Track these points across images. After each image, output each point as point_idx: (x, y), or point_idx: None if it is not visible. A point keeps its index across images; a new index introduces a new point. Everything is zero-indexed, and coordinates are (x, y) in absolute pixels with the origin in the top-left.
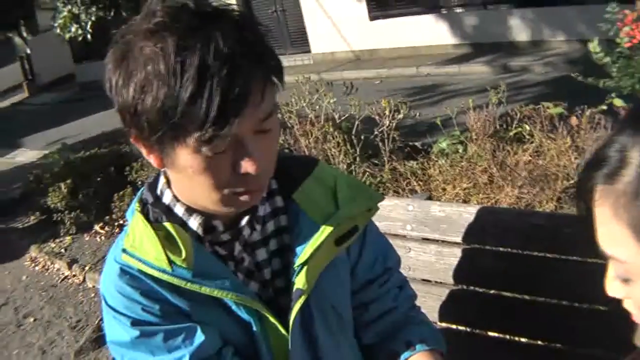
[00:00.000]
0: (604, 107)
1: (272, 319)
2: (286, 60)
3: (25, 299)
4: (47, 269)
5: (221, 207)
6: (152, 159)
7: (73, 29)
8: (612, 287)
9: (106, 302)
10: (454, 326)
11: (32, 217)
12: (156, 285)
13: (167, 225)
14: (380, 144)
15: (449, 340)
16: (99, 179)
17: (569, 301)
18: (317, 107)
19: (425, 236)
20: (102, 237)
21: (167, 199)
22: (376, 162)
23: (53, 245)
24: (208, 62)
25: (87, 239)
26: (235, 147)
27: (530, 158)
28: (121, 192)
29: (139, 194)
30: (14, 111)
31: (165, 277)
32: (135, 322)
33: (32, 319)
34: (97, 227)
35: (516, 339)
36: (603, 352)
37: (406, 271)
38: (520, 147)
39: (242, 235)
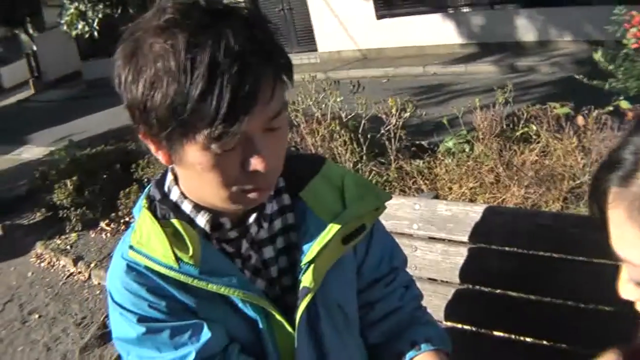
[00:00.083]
0: (611, 109)
1: (278, 317)
2: (293, 59)
3: (31, 296)
4: (53, 266)
5: (229, 205)
6: (160, 156)
7: (80, 26)
8: (626, 290)
9: (112, 299)
10: (459, 325)
11: (38, 214)
12: (163, 282)
13: (175, 222)
14: (386, 142)
15: (455, 340)
16: (105, 176)
17: (574, 301)
18: (324, 105)
19: (432, 235)
20: (108, 234)
21: (174, 195)
22: (382, 160)
23: (59, 242)
24: (218, 59)
25: (92, 235)
26: (245, 144)
27: (536, 158)
28: (127, 190)
29: (146, 190)
30: (20, 108)
31: (172, 274)
32: (141, 319)
33: (37, 316)
34: (102, 224)
35: (521, 338)
36: None
37: (412, 270)
38: (527, 147)
39: (250, 233)
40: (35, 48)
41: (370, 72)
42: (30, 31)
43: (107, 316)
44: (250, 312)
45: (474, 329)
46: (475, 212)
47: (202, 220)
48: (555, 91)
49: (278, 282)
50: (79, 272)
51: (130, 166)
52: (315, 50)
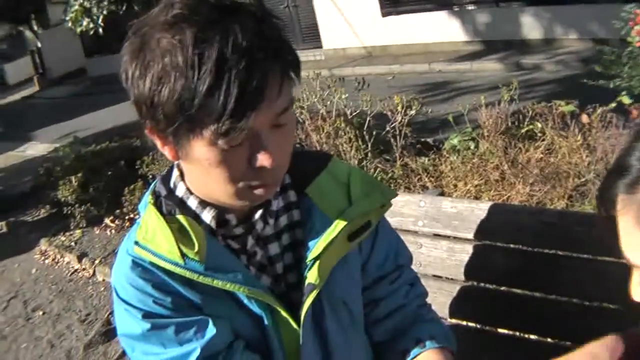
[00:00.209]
0: (613, 105)
1: (283, 313)
2: None
3: (35, 293)
4: (57, 263)
5: (235, 201)
6: (166, 151)
7: (84, 23)
8: (637, 294)
9: (117, 295)
10: (464, 323)
11: (42, 211)
12: (168, 278)
13: (180, 218)
14: (392, 140)
15: (459, 337)
16: (109, 172)
17: (579, 299)
18: (329, 102)
19: (437, 232)
20: (113, 231)
21: (180, 191)
22: (388, 158)
23: (63, 238)
24: (226, 55)
25: (97, 232)
26: (251, 140)
27: (541, 155)
28: (132, 186)
29: (152, 186)
30: (25, 105)
31: (177, 269)
32: (146, 315)
33: (41, 313)
34: (107, 221)
35: (526, 336)
36: None
37: (417, 267)
38: (532, 144)
39: (255, 229)
40: (39, 45)
41: (375, 70)
42: (35, 28)
43: (111, 313)
44: (255, 308)
45: (478, 326)
46: (480, 209)
47: (207, 216)
48: (560, 89)
49: (283, 278)
50: (84, 269)
51: (135, 163)
52: (320, 47)
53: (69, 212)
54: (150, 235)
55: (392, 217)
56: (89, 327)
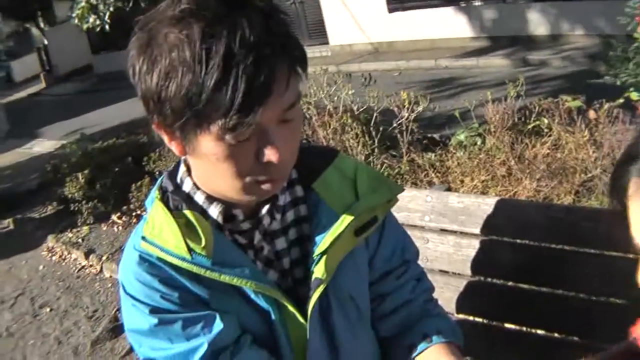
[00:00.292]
0: (621, 101)
1: (290, 308)
2: None
3: (42, 289)
4: (64, 259)
5: (242, 196)
6: (173, 146)
7: (91, 20)
8: None
9: (125, 290)
10: (471, 318)
11: (50, 207)
12: (175, 273)
13: (187, 213)
14: (398, 135)
15: (466, 332)
16: (116, 169)
17: (586, 294)
18: (336, 98)
19: (444, 227)
20: (120, 227)
21: (187, 187)
22: (394, 153)
23: (70, 235)
24: (234, 50)
25: (104, 229)
26: (259, 135)
27: (548, 151)
28: (139, 182)
29: (158, 182)
30: (31, 102)
31: (184, 264)
32: (154, 310)
33: (48, 309)
34: (114, 217)
35: (533, 331)
36: None
37: (424, 262)
38: (539, 140)
39: (262, 224)
40: (46, 42)
41: (381, 66)
42: (42, 25)
43: (118, 309)
44: (262, 303)
45: (485, 321)
46: (487, 204)
47: (214, 211)
48: (567, 85)
49: (290, 273)
50: (91, 265)
51: (142, 159)
52: (327, 43)
53: (76, 208)
54: (157, 230)
55: (399, 212)
56: (96, 323)
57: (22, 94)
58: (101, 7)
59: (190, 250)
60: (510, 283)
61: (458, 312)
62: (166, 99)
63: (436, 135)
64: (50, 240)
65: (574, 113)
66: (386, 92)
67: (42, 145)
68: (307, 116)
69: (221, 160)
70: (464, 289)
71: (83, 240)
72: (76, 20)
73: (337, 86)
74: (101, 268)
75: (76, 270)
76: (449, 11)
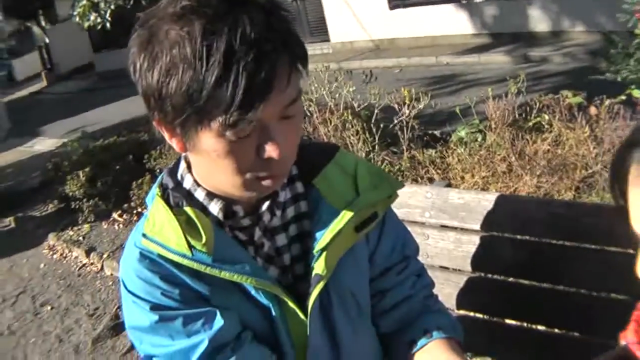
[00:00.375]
0: (623, 98)
1: (291, 304)
2: None
3: (43, 287)
4: (65, 257)
5: (243, 192)
6: (174, 143)
7: (92, 18)
8: None
9: (125, 287)
10: (471, 313)
11: (51, 206)
12: (176, 269)
13: (188, 210)
14: (399, 132)
15: (467, 328)
16: (117, 167)
17: (587, 290)
18: (337, 95)
19: (444, 223)
20: (121, 225)
21: (187, 183)
22: (395, 150)
23: (71, 233)
24: (235, 46)
25: (105, 227)
26: (259, 132)
27: (549, 147)
28: (139, 180)
29: (159, 179)
30: (33, 100)
31: (185, 261)
32: (154, 307)
33: (49, 307)
34: (115, 215)
35: (534, 327)
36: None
37: (424, 258)
38: (539, 136)
39: (262, 221)
40: (47, 40)
41: (383, 63)
42: (43, 24)
43: (119, 307)
44: (263, 299)
45: (485, 317)
46: (487, 200)
47: (215, 208)
48: (567, 81)
49: (291, 269)
50: (92, 263)
51: (143, 157)
52: (328, 40)
53: (77, 206)
54: (158, 227)
55: (399, 209)
56: (97, 321)
57: (24, 92)
58: (102, 5)
59: (190, 247)
60: (510, 279)
61: (458, 308)
62: (167, 96)
63: (437, 132)
64: (52, 239)
65: (575, 109)
66: (387, 89)
67: (44, 144)
68: (308, 113)
69: (222, 157)
70: (464, 285)
71: (84, 238)
72: (77, 19)
73: (338, 83)
74: (102, 266)
75: (77, 269)
76: (450, 8)
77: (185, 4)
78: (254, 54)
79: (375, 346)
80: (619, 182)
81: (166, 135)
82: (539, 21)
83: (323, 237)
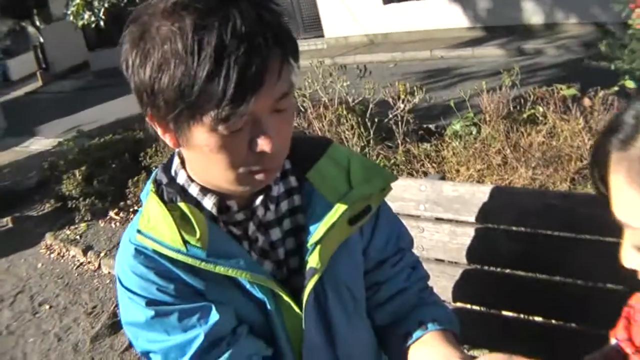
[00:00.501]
0: (617, 88)
1: (286, 298)
2: (299, 45)
3: (41, 287)
4: (63, 256)
5: (236, 186)
6: (167, 139)
7: (86, 16)
8: (628, 257)
9: (121, 283)
10: (467, 305)
11: (47, 205)
12: (171, 265)
13: (182, 205)
14: (394, 126)
15: (462, 319)
16: (113, 165)
17: (583, 280)
18: (331, 90)
19: (439, 216)
20: (117, 223)
21: (181, 179)
22: (390, 144)
23: (68, 232)
24: (225, 41)
25: (102, 225)
26: (252, 125)
27: (543, 139)
28: (136, 178)
29: (153, 175)
30: (28, 100)
31: (180, 257)
32: (150, 302)
33: (47, 307)
34: (112, 214)
35: (530, 318)
36: None
37: (420, 251)
38: (534, 128)
39: (256, 215)
40: (42, 40)
41: (377, 57)
42: (38, 23)
43: (117, 305)
44: (258, 293)
45: (481, 308)
46: (482, 192)
47: (209, 203)
48: (562, 73)
49: (285, 263)
50: (89, 262)
51: (139, 155)
52: (322, 36)
53: (74, 205)
54: (153, 223)
55: (394, 202)
56: (95, 319)
57: (19, 92)
58: (96, 3)
59: (185, 242)
60: (507, 270)
61: (454, 300)
62: (159, 91)
63: (432, 126)
64: (49, 238)
65: (569, 101)
66: (381, 83)
67: (40, 143)
68: (302, 109)
69: (214, 152)
70: (460, 277)
71: (81, 237)
72: (71, 17)
73: (332, 78)
74: (99, 264)
75: (75, 267)
76: (443, 2)
77: (176, 0)
78: (245, 48)
79: (370, 339)
80: (599, 168)
81: (159, 131)
82: (532, 14)
83: (317, 231)
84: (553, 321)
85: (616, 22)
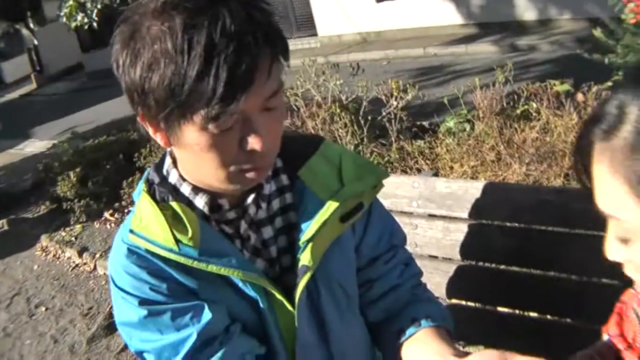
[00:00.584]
0: (610, 84)
1: (278, 296)
2: (292, 44)
3: (37, 289)
4: (58, 258)
5: (227, 185)
6: (158, 138)
7: (79, 18)
8: (612, 250)
9: (114, 283)
10: (462, 302)
11: (43, 207)
12: (164, 264)
13: (174, 204)
14: (387, 124)
15: (457, 316)
16: (108, 166)
17: (578, 275)
18: (324, 88)
19: (432, 212)
20: (112, 224)
21: (173, 178)
22: (384, 142)
23: (64, 234)
24: (215, 40)
25: (97, 226)
26: (242, 124)
27: (537, 135)
28: (130, 179)
29: (145, 174)
30: (23, 102)
31: (172, 256)
32: (143, 302)
33: (44, 309)
34: (107, 215)
35: (525, 314)
36: None
37: (413, 247)
38: (528, 124)
39: (248, 214)
40: (36, 42)
41: (370, 55)
42: (32, 25)
43: (112, 306)
44: (250, 292)
45: (475, 304)
46: (474, 188)
47: (200, 201)
48: (555, 69)
49: (278, 261)
50: (85, 263)
51: (133, 156)
52: (316, 35)
53: (69, 207)
54: (145, 222)
55: (387, 199)
56: (91, 321)
57: (14, 95)
58: (89, 4)
59: (177, 241)
60: (501, 266)
61: (448, 296)
62: (150, 91)
63: (425, 123)
64: (44, 240)
65: (563, 96)
66: (375, 81)
67: (35, 146)
68: (295, 108)
69: (205, 150)
70: (454, 274)
71: (76, 238)
72: (64, 19)
73: (325, 76)
74: (95, 266)
75: (70, 269)
76: None
77: None
78: (235, 46)
79: (364, 336)
80: (582, 159)
81: (150, 131)
82: (526, 10)
83: (309, 228)
84: (548, 317)
85: (610, 17)
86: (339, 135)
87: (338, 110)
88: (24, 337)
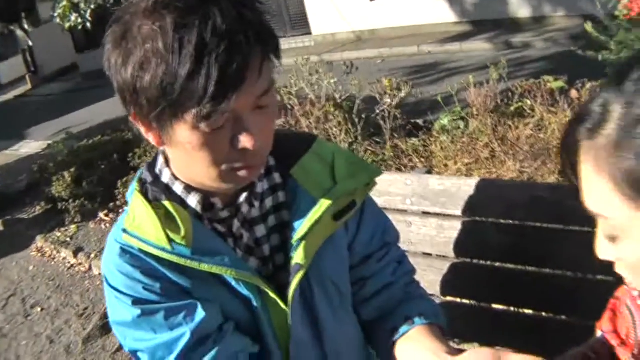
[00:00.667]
0: (604, 81)
1: (272, 294)
2: (287, 43)
3: (33, 289)
4: (54, 259)
5: (220, 184)
6: (151, 137)
7: (73, 18)
8: (602, 249)
9: (108, 283)
10: (456, 299)
11: (38, 208)
12: (157, 263)
13: (166, 203)
14: (381, 122)
15: (451, 313)
16: (102, 166)
17: (573, 272)
18: (317, 87)
19: (426, 210)
20: (107, 225)
21: (165, 177)
22: (378, 140)
23: (59, 234)
24: (206, 39)
25: (92, 226)
26: (233, 123)
27: (531, 132)
28: (125, 179)
29: (138, 174)
30: (18, 103)
31: (165, 255)
32: (136, 301)
33: (39, 309)
34: (102, 215)
35: (520, 311)
36: None
37: (407, 245)
38: (522, 121)
39: (241, 212)
40: (31, 43)
41: (364, 54)
42: (26, 27)
43: None
44: (244, 290)
45: (470, 302)
46: (468, 185)
47: (193, 200)
48: (549, 66)
49: (271, 260)
50: (80, 264)
51: (128, 155)
52: (310, 33)
53: (64, 207)
54: (138, 222)
55: (380, 197)
56: (87, 321)
57: (9, 96)
58: (82, 5)
59: (170, 240)
60: (495, 263)
61: (443, 294)
62: (141, 90)
63: (419, 121)
64: (40, 240)
65: (557, 93)
66: (369, 79)
67: (30, 147)
68: (289, 107)
69: (197, 149)
70: (448, 271)
71: (71, 239)
72: (58, 20)
73: (319, 75)
74: (90, 266)
75: (66, 269)
76: None
77: None
78: (226, 45)
79: (357, 334)
80: (569, 158)
81: (143, 130)
82: (520, 7)
83: (301, 227)
84: (543, 313)
85: (604, 13)
86: (333, 134)
87: (332, 109)
88: (20, 337)
